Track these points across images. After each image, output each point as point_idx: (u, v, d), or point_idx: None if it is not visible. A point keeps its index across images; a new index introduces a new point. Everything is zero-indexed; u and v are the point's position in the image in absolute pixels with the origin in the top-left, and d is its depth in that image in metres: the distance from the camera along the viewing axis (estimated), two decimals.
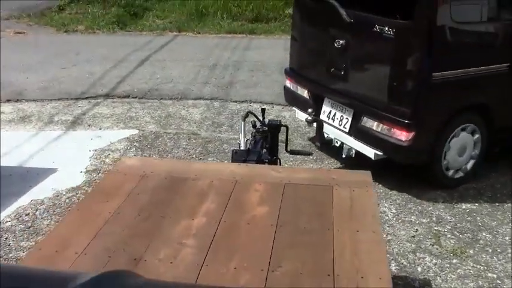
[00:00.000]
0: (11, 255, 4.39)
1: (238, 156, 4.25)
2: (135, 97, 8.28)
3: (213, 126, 7.21)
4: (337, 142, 5.72)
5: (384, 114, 5.27)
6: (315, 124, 5.58)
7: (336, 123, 5.76)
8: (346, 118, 5.68)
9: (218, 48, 11.17)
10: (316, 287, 2.28)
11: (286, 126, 4.63)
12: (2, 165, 5.92)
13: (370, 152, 5.41)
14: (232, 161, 4.29)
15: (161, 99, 8.21)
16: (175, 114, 7.63)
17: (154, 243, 2.53)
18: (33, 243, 4.55)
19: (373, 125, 5.40)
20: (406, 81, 5.15)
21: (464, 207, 5.38)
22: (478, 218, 5.19)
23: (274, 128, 4.43)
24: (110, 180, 3.28)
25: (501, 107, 5.53)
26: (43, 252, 2.48)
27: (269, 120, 4.52)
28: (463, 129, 5.47)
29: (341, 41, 5.55)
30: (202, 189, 3.12)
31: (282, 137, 4.69)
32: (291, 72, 6.59)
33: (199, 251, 2.48)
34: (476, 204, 5.44)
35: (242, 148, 4.53)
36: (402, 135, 5.14)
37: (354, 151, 5.62)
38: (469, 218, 5.19)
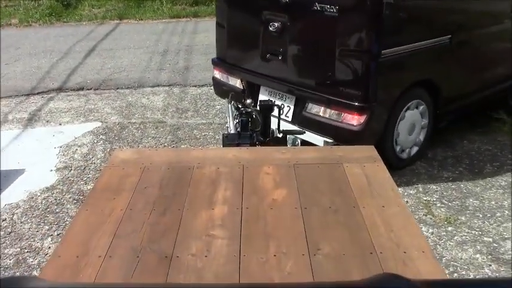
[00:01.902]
0: None
1: (230, 140, 4.11)
2: (90, 89, 7.96)
3: (177, 113, 7.01)
4: (279, 133, 5.41)
5: (332, 99, 4.96)
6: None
7: (275, 112, 5.41)
8: (288, 106, 5.36)
9: (165, 34, 10.91)
10: (363, 266, 2.19)
11: (279, 107, 4.48)
12: None
13: (318, 140, 5.09)
14: (223, 145, 4.15)
15: (117, 89, 7.93)
16: (136, 103, 7.38)
17: (181, 238, 2.38)
18: (19, 249, 4.29)
19: (319, 111, 5.10)
20: (355, 61, 4.84)
21: (446, 175, 5.41)
22: (462, 185, 5.24)
23: (267, 108, 4.26)
24: (109, 175, 3.08)
25: (446, 79, 5.48)
26: (63, 259, 2.29)
27: (261, 101, 4.36)
28: (411, 107, 5.33)
29: (276, 24, 5.19)
30: (211, 177, 2.97)
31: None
32: (219, 62, 6.15)
33: (232, 242, 2.34)
34: (457, 172, 5.49)
35: (232, 131, 4.39)
36: (354, 120, 4.88)
37: (299, 140, 5.24)
38: (453, 186, 5.23)
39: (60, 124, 6.76)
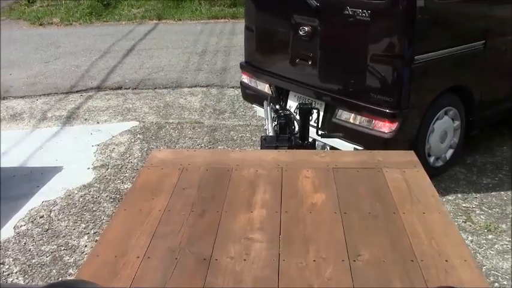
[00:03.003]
0: (34, 261, 4.15)
1: (268, 142, 4.08)
2: (128, 88, 8.03)
3: (215, 114, 7.01)
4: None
5: (363, 105, 4.85)
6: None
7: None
8: (317, 112, 5.25)
9: (203, 34, 10.95)
10: (404, 274, 2.13)
11: (318, 110, 4.43)
12: (2, 166, 5.67)
13: (348, 148, 4.96)
14: (261, 148, 4.12)
15: (155, 88, 7.98)
16: (173, 103, 7.41)
17: (219, 241, 2.35)
18: (55, 246, 4.32)
19: (349, 117, 4.98)
20: (387, 67, 4.71)
21: (485, 182, 5.29)
22: (502, 193, 5.10)
23: (306, 112, 4.21)
24: (147, 176, 3.07)
25: (479, 85, 5.34)
26: (102, 258, 2.28)
27: (299, 104, 4.31)
28: (440, 116, 5.18)
29: (306, 28, 5.08)
30: (250, 179, 2.94)
31: None
32: (247, 67, 6.08)
33: (271, 246, 2.31)
34: (497, 178, 5.35)
35: (270, 134, 4.35)
36: (385, 127, 4.75)
37: (328, 147, 5.18)
38: (493, 193, 5.09)
39: (98, 122, 6.82)
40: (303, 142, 4.16)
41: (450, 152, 5.44)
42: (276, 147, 3.92)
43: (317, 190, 2.78)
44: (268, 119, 4.60)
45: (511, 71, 5.67)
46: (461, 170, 5.48)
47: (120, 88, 8.03)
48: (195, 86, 8.03)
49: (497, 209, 4.83)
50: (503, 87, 5.68)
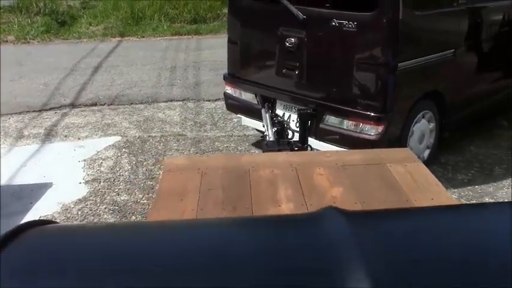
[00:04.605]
0: None
1: (270, 147, 4.22)
2: (104, 104, 7.94)
3: (196, 126, 7.03)
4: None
5: (350, 110, 5.11)
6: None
7: (292, 125, 5.38)
8: None
9: (170, 51, 10.95)
10: None
11: (315, 115, 4.62)
12: None
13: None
14: (263, 152, 4.24)
15: (131, 104, 7.93)
16: (152, 117, 7.38)
17: None
18: None
19: (337, 122, 5.24)
20: (373, 74, 5.01)
21: (460, 178, 5.67)
22: (477, 186, 5.49)
23: (306, 116, 4.41)
24: (169, 180, 3.10)
25: (451, 90, 5.71)
26: None
27: (299, 109, 4.46)
28: (420, 118, 5.53)
29: (293, 40, 5.32)
30: (269, 178, 3.02)
31: None
32: (231, 78, 6.24)
33: None
34: (470, 174, 5.74)
35: (271, 139, 4.48)
36: (372, 130, 5.04)
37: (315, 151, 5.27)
38: (469, 187, 5.48)
39: (79, 139, 6.72)
40: (303, 145, 4.30)
41: (427, 152, 5.75)
42: (279, 151, 4.03)
43: (333, 185, 2.90)
44: (268, 125, 4.70)
45: (479, 76, 6.14)
46: (438, 168, 5.77)
47: (95, 104, 7.93)
48: (171, 101, 8.02)
49: (474, 201, 5.19)
50: (471, 91, 6.09)
